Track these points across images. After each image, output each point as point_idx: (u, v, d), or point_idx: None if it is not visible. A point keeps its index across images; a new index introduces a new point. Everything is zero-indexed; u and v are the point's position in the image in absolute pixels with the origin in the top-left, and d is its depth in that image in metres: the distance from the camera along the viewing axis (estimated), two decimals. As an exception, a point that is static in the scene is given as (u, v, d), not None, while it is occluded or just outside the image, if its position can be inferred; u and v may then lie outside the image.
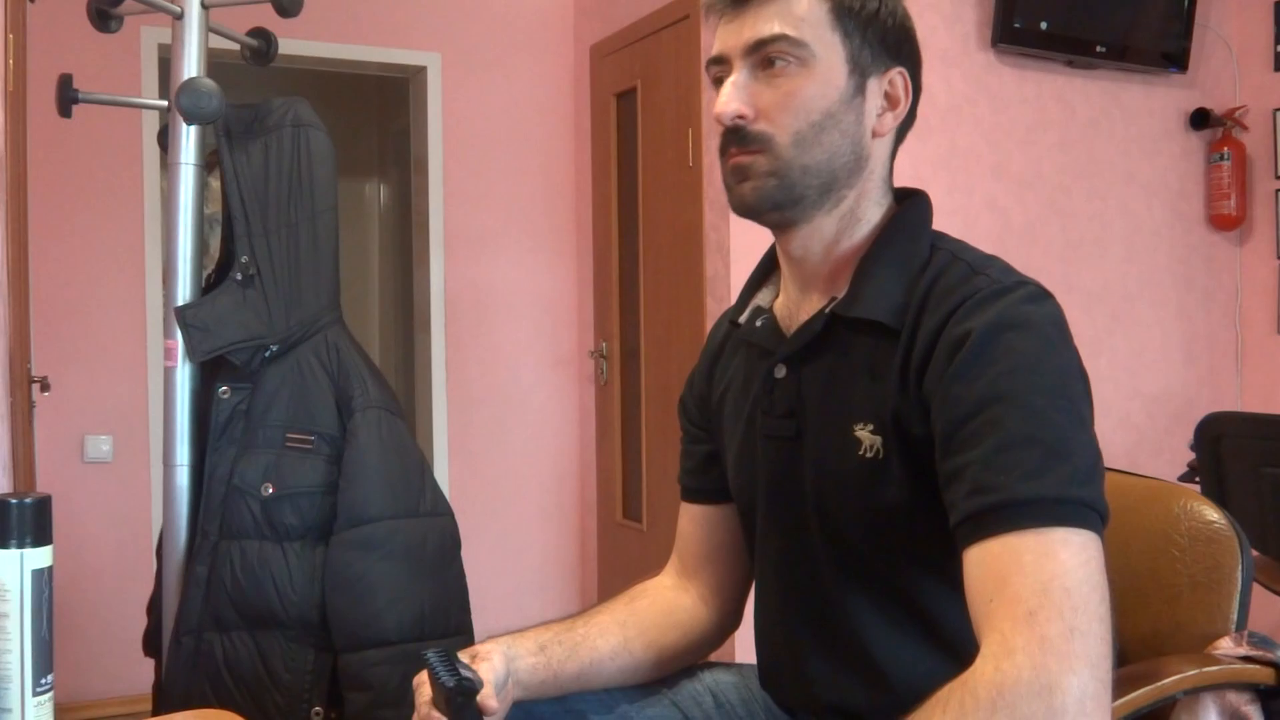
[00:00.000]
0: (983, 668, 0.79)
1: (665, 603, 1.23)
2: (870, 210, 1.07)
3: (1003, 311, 0.92)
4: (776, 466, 1.09)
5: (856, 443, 1.00)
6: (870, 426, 0.99)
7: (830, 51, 1.02)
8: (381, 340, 5.38)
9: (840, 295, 1.05)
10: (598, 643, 1.16)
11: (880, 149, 1.07)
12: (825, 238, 1.07)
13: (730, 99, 1.02)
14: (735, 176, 1.04)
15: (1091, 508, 0.84)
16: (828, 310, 1.05)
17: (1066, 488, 0.84)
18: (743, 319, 1.16)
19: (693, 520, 1.27)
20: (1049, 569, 0.81)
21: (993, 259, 1.02)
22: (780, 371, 1.09)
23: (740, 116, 1.02)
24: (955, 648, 0.92)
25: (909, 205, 1.08)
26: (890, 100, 1.05)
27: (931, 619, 1.00)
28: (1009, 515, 0.84)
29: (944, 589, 0.95)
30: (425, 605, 1.88)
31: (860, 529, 1.02)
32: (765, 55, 1.02)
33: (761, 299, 1.17)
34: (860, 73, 1.03)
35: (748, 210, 1.05)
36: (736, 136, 1.03)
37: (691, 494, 1.27)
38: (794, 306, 1.11)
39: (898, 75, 1.05)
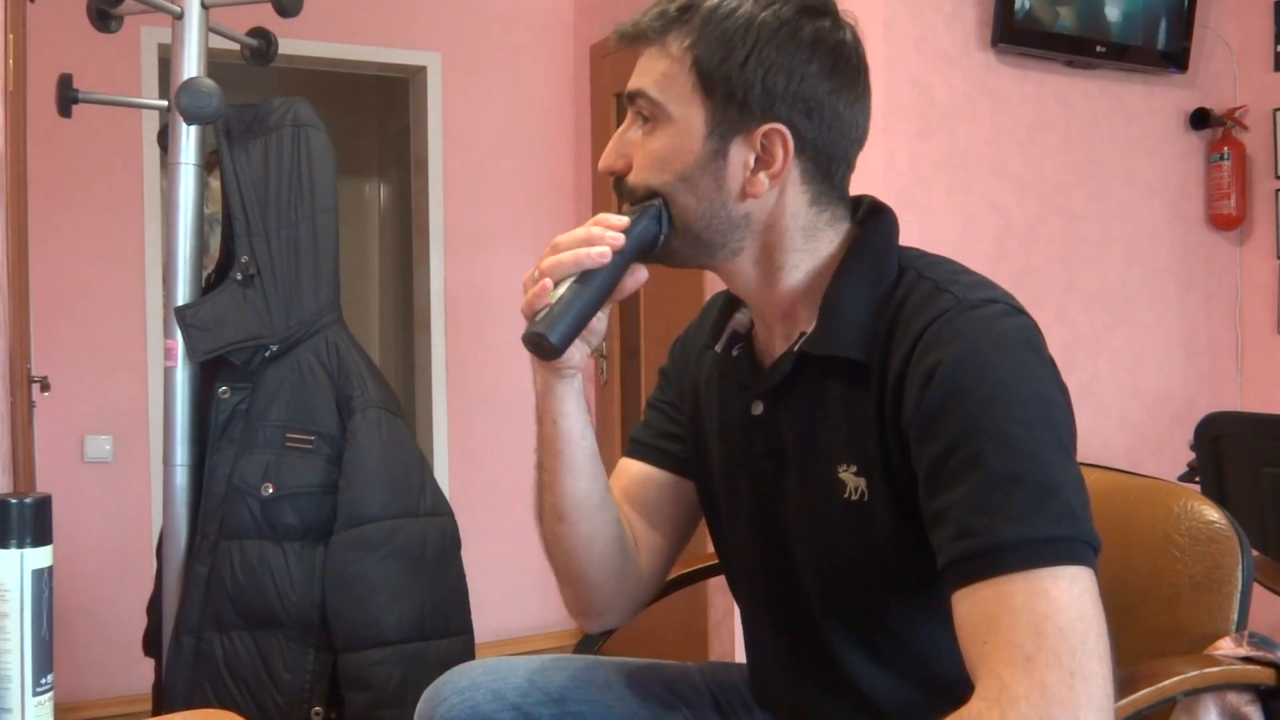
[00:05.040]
0: (987, 714, 0.76)
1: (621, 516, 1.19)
2: (793, 258, 1.01)
3: (971, 335, 0.88)
4: (760, 505, 1.07)
5: (841, 485, 0.97)
6: (854, 468, 0.96)
7: (689, 112, 0.97)
8: (381, 340, 5.37)
9: (809, 330, 1.00)
10: (600, 465, 1.13)
11: (769, 205, 0.99)
12: (749, 280, 1.03)
13: (607, 153, 1.03)
14: None
15: (1082, 541, 0.82)
16: (796, 349, 1.01)
17: (1054, 527, 0.81)
18: (719, 345, 1.12)
19: (639, 480, 1.20)
20: (1041, 609, 0.78)
21: (962, 272, 0.97)
22: (757, 409, 1.05)
23: (613, 171, 1.02)
24: (948, 682, 0.89)
25: (869, 229, 1.02)
26: (766, 159, 0.97)
27: (924, 655, 0.99)
28: (996, 560, 0.81)
29: (936, 625, 0.92)
30: (425, 605, 1.88)
31: (849, 571, 0.99)
32: (636, 108, 1.01)
33: (739, 320, 1.12)
34: (721, 136, 0.97)
35: None
36: (618, 187, 1.03)
37: (649, 453, 1.21)
38: (767, 336, 1.07)
39: (774, 132, 0.96)
